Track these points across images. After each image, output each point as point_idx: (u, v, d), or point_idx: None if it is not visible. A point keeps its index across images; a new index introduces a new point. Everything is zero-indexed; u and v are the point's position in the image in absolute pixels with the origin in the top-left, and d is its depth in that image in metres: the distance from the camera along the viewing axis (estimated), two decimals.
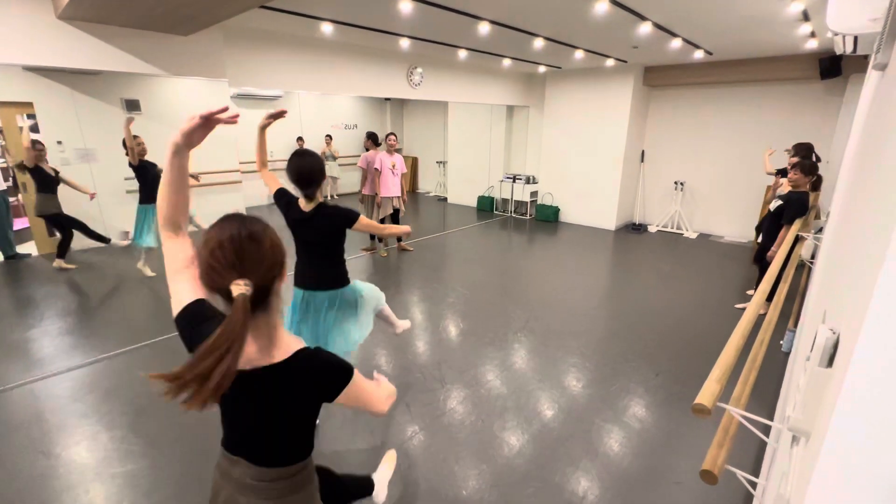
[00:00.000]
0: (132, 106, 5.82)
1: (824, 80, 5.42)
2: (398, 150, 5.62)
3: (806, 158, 4.57)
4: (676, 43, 4.71)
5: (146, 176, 4.38)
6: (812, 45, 4.79)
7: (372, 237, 5.94)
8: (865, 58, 4.86)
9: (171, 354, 3.35)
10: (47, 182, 4.57)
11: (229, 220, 0.90)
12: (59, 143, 5.37)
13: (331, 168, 9.16)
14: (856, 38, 3.07)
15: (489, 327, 3.80)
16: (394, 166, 5.40)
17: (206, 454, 2.36)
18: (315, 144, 9.05)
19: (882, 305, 0.39)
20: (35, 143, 4.44)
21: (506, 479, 2.22)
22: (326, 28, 4.24)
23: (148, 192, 4.42)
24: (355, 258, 5.73)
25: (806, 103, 5.95)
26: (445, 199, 9.83)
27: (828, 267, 1.28)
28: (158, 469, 2.25)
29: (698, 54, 5.44)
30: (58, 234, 4.99)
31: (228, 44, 4.18)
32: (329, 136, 9.23)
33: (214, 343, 0.79)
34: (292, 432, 1.02)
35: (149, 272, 4.79)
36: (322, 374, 0.97)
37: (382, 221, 5.65)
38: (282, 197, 2.17)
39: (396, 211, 5.63)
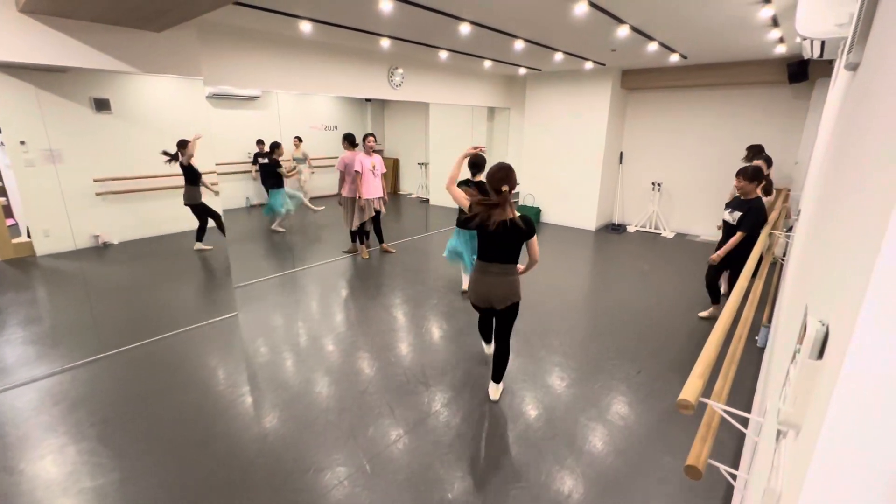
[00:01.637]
0: (101, 105, 5.61)
1: (792, 84, 5.62)
2: (378, 151, 5.59)
3: (757, 158, 4.78)
4: (653, 46, 4.81)
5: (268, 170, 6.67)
6: (781, 50, 4.96)
7: (353, 239, 5.87)
8: (830, 63, 5.06)
9: (141, 363, 3.23)
10: (195, 177, 5.38)
11: (502, 165, 2.44)
12: (23, 143, 5.13)
13: (302, 172, 8.82)
14: (823, 43, 3.19)
15: (472, 328, 3.79)
16: (374, 167, 5.36)
17: (178, 466, 2.27)
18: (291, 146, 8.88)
19: (877, 296, 0.39)
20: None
21: (491, 480, 2.20)
22: (305, 27, 4.17)
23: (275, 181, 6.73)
24: (337, 260, 5.65)
25: (775, 106, 6.15)
26: (427, 200, 9.80)
27: (806, 262, 1.31)
28: (129, 482, 2.15)
29: (674, 58, 5.57)
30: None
31: (204, 41, 4.07)
32: (298, 138, 8.58)
33: (488, 207, 2.43)
34: (516, 249, 2.49)
35: (280, 229, 6.97)
36: (527, 225, 2.45)
37: (363, 224, 5.59)
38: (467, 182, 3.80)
39: (378, 213, 5.58)
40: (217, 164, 6.69)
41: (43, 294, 4.42)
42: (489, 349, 3.24)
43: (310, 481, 2.17)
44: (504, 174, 2.37)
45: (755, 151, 5.04)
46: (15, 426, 2.53)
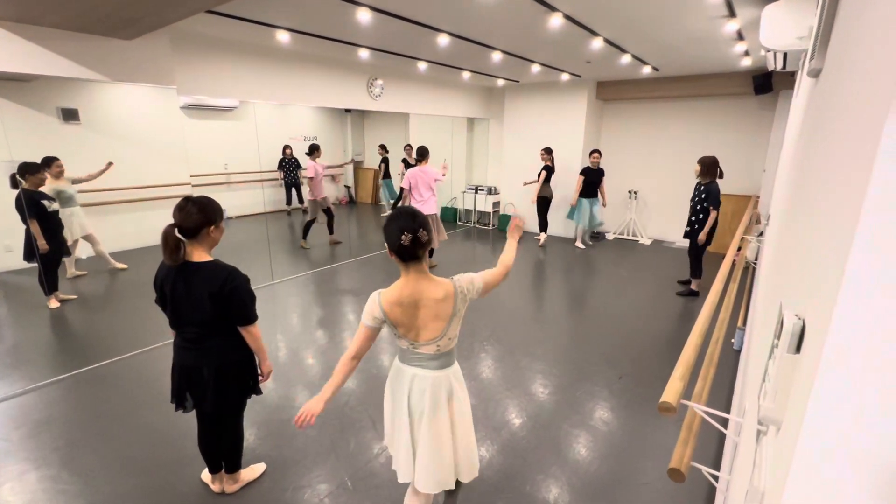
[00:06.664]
0: (69, 115, 5.43)
1: (758, 95, 5.86)
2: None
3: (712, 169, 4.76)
4: (626, 59, 4.95)
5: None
6: (746, 62, 5.17)
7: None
8: (792, 75, 5.29)
9: (109, 381, 3.09)
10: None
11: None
12: None
13: (72, 217, 4.66)
14: (785, 55, 3.34)
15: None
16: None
17: (149, 491, 2.16)
18: (271, 157, 8.74)
19: (852, 287, 0.39)
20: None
21: (476, 491, 2.16)
22: (283, 37, 4.14)
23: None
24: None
25: (742, 116, 6.39)
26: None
27: (779, 262, 1.34)
28: None
29: (646, 70, 5.74)
30: None
31: (178, 50, 3.99)
32: (48, 161, 4.44)
33: None
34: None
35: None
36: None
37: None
38: None
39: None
40: (192, 176, 6.54)
41: (3, 312, 4.20)
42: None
43: (289, 500, 2.09)
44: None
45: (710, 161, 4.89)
46: None
